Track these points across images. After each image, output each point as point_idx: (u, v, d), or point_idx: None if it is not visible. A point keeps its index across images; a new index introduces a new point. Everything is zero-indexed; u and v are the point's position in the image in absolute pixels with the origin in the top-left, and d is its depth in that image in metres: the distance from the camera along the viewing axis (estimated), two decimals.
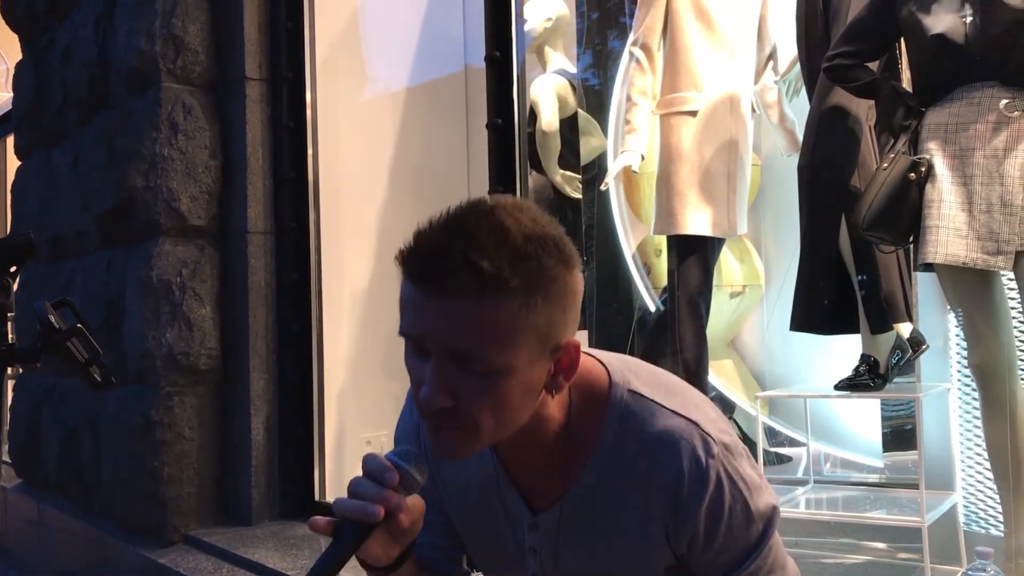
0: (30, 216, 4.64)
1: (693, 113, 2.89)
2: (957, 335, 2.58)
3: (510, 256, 0.90)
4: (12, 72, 5.02)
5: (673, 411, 1.04)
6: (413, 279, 0.94)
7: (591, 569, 1.10)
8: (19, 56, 4.97)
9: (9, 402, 4.91)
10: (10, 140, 5.41)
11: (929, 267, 2.29)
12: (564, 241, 0.97)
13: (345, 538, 0.97)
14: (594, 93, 3.96)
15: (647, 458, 1.02)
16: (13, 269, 1.08)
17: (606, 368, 1.08)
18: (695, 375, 2.90)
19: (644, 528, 1.04)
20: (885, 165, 2.29)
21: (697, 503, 1.01)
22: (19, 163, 4.97)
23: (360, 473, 1.02)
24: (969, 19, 2.18)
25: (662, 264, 3.28)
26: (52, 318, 1.03)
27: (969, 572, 1.80)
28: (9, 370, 1.21)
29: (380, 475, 0.99)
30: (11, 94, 5.12)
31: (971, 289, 2.25)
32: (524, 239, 0.92)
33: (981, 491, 2.55)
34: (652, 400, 1.05)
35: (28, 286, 4.64)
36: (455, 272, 0.89)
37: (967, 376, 2.46)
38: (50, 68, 4.46)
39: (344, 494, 1.02)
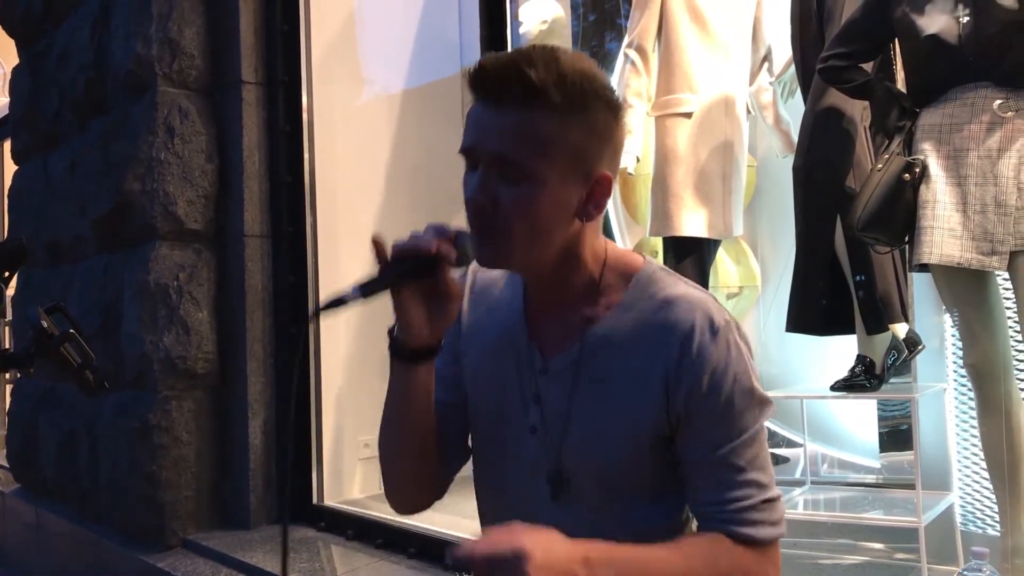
0: (27, 221, 4.64)
1: (688, 115, 2.90)
2: (953, 335, 2.58)
3: (557, 76, 1.02)
4: (9, 77, 5.02)
5: (696, 287, 1.14)
6: (473, 90, 1.06)
7: (588, 423, 1.12)
8: (16, 61, 4.97)
9: (7, 407, 4.91)
10: (7, 145, 5.41)
11: (924, 267, 2.29)
12: (611, 91, 1.08)
13: (395, 267, 1.06)
14: None
15: (665, 312, 1.09)
16: (6, 274, 1.08)
17: (645, 258, 1.18)
18: None
19: (647, 380, 1.08)
20: (880, 166, 2.30)
21: (704, 358, 1.06)
22: (16, 168, 4.97)
23: None
24: (962, 20, 2.18)
25: None
26: (45, 323, 1.03)
27: (965, 572, 1.80)
28: (7, 375, 1.21)
29: (438, 227, 1.08)
30: (8, 99, 5.12)
31: (966, 289, 2.25)
32: (574, 70, 1.04)
33: (978, 491, 2.55)
34: (679, 278, 1.15)
35: (26, 291, 4.64)
36: (507, 80, 1.02)
37: (963, 376, 2.46)
38: (47, 73, 4.46)
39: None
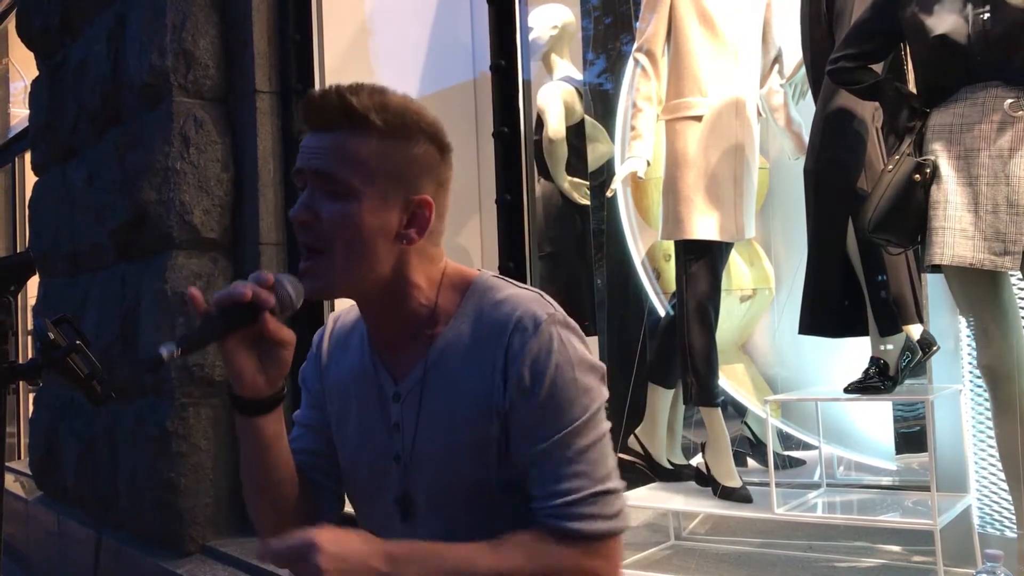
0: (47, 231, 4.70)
1: (698, 118, 2.89)
2: (968, 336, 2.56)
3: (380, 105, 1.09)
4: (29, 89, 5.09)
5: (525, 288, 1.17)
6: (304, 120, 1.13)
7: (433, 439, 1.13)
8: (36, 74, 5.03)
9: (29, 415, 4.97)
10: (27, 156, 5.48)
11: (937, 268, 2.28)
12: (438, 129, 1.14)
13: (215, 319, 1.05)
14: (605, 98, 3.97)
15: (492, 314, 1.12)
16: (13, 288, 1.10)
17: (480, 271, 1.21)
18: (705, 380, 2.89)
19: (481, 386, 1.10)
20: (890, 167, 2.29)
21: (524, 351, 1.07)
22: (36, 179, 5.03)
23: None
24: (972, 19, 2.17)
25: (671, 269, 3.28)
26: (52, 335, 1.05)
27: (980, 575, 1.78)
28: (30, 385, 1.23)
29: (257, 276, 1.10)
30: (28, 111, 5.18)
31: (979, 290, 2.24)
32: (397, 102, 1.11)
33: (995, 493, 2.53)
34: (510, 282, 1.18)
35: (47, 301, 4.70)
36: (330, 108, 1.09)
37: (979, 377, 2.44)
38: (64, 85, 4.51)
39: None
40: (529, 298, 1.13)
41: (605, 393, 1.12)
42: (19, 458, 6.33)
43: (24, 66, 6.72)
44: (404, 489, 1.16)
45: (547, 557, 1.06)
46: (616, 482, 1.09)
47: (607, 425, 1.11)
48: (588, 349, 1.12)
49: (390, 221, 1.10)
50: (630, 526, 1.11)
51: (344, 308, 1.30)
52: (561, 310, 1.13)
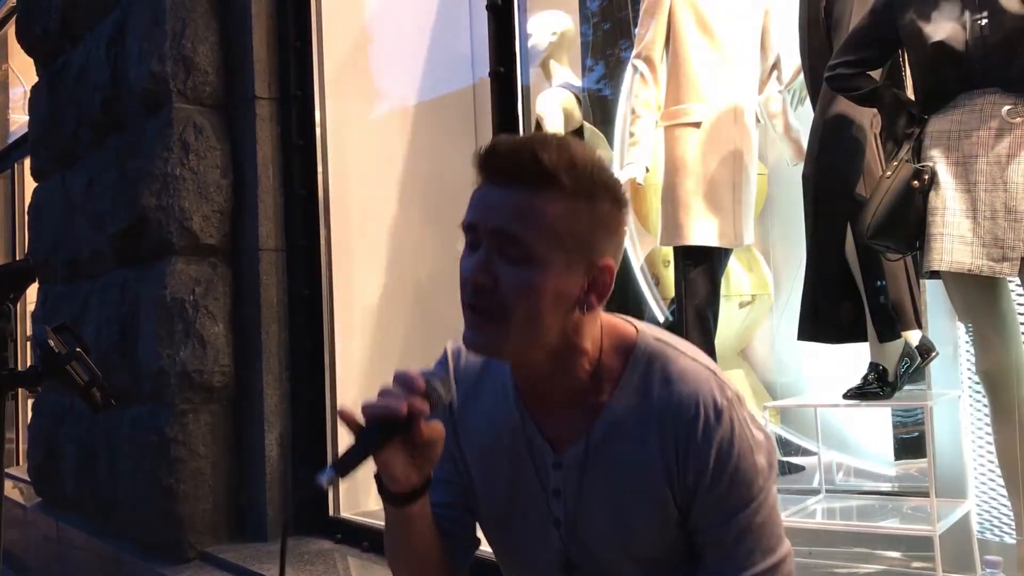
0: (47, 237, 4.70)
1: (697, 124, 2.90)
2: (967, 342, 2.56)
3: (568, 163, 1.03)
4: (28, 96, 5.09)
5: (694, 359, 1.13)
6: (483, 170, 1.06)
7: (611, 517, 1.12)
8: (36, 80, 5.04)
9: (28, 421, 4.96)
10: (27, 162, 5.48)
11: (935, 274, 2.28)
12: (618, 185, 1.09)
13: (368, 436, 1.02)
14: (605, 104, 3.97)
15: (667, 392, 1.09)
16: (12, 295, 1.10)
17: (635, 326, 1.17)
18: None
19: (655, 465, 1.08)
20: (888, 173, 2.29)
21: (708, 439, 1.06)
22: (36, 185, 5.04)
23: None
24: (970, 26, 2.18)
25: (670, 275, 3.28)
26: (52, 342, 1.05)
27: None
28: (30, 391, 1.23)
29: (406, 382, 1.05)
30: (27, 117, 5.19)
31: (978, 296, 2.24)
32: (584, 158, 1.05)
33: (995, 499, 2.53)
34: (676, 347, 1.14)
35: (46, 307, 4.70)
36: (520, 163, 1.03)
37: (977, 383, 2.45)
38: (64, 91, 4.52)
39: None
40: (705, 378, 1.10)
41: (775, 466, 1.12)
42: (18, 464, 6.33)
43: (24, 72, 6.72)
44: (566, 554, 1.16)
45: None
46: (783, 550, 1.10)
47: (775, 492, 1.12)
48: (757, 424, 1.12)
49: (572, 289, 1.05)
50: None
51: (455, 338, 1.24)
52: (731, 385, 1.12)
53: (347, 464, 1.00)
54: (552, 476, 1.14)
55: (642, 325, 1.17)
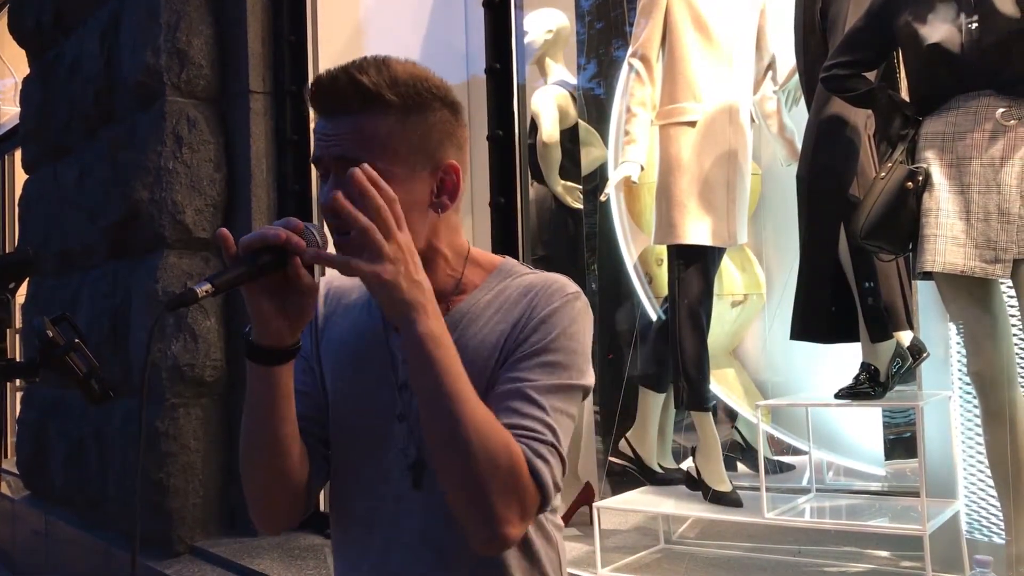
0: (37, 230, 4.68)
1: (692, 123, 2.90)
2: (958, 343, 2.58)
3: (390, 80, 1.07)
4: (20, 87, 5.07)
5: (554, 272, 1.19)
6: (314, 106, 1.11)
7: None
8: (27, 71, 5.02)
9: (17, 414, 4.94)
10: (18, 154, 5.46)
11: (928, 276, 2.29)
12: (448, 92, 1.13)
13: (246, 259, 1.02)
14: (598, 103, 3.98)
15: (522, 284, 1.15)
16: (12, 285, 1.09)
17: (505, 256, 1.23)
18: (696, 384, 2.90)
19: (499, 344, 1.11)
20: (883, 174, 2.30)
21: (548, 304, 1.11)
22: (27, 177, 5.01)
23: None
24: (965, 28, 2.19)
25: (663, 274, 3.29)
26: (50, 333, 1.05)
27: None
28: (19, 382, 1.22)
29: (287, 222, 1.07)
30: (19, 108, 5.16)
31: (970, 297, 2.25)
32: (406, 73, 1.09)
33: (983, 499, 2.54)
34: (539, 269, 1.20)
35: (36, 300, 4.68)
36: (342, 91, 1.07)
37: (968, 384, 2.46)
38: (57, 83, 4.50)
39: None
40: (560, 277, 1.16)
41: (590, 381, 1.13)
42: (6, 457, 6.30)
43: (14, 63, 6.69)
44: (416, 455, 1.15)
45: (513, 460, 1.03)
46: (562, 455, 1.08)
47: (575, 411, 1.12)
48: (594, 340, 1.15)
49: (421, 195, 1.10)
50: (555, 503, 1.12)
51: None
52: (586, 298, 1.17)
53: (221, 279, 1.00)
54: (402, 369, 1.16)
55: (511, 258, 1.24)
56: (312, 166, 3.51)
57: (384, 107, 1.07)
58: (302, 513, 1.20)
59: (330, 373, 1.23)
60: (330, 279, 1.29)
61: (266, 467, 1.15)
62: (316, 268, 1.10)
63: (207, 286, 0.97)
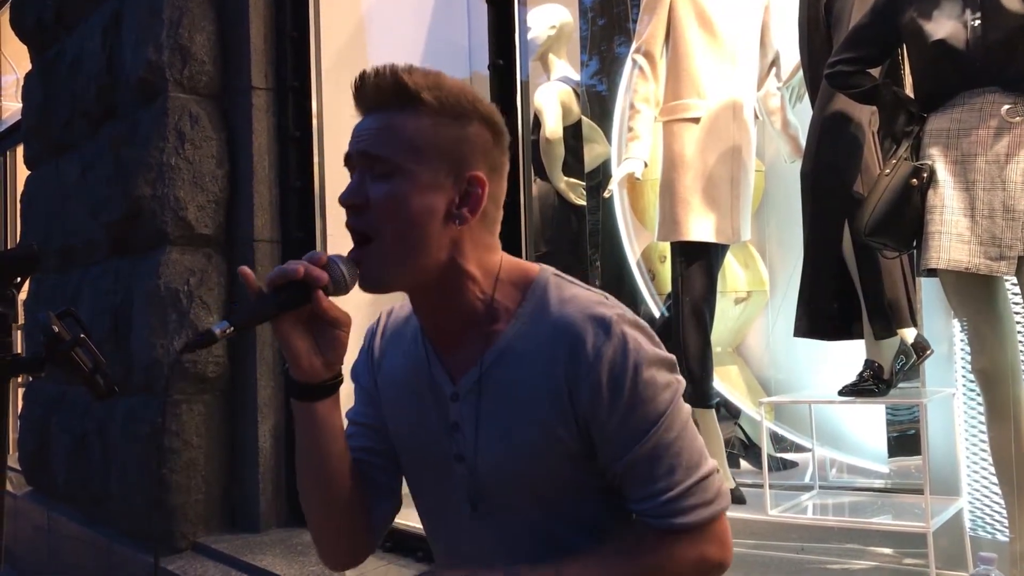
0: (39, 226, 4.68)
1: (696, 120, 2.90)
2: (962, 340, 2.57)
3: (433, 84, 1.07)
4: (21, 83, 5.06)
5: (589, 289, 1.14)
6: (356, 102, 1.11)
7: (505, 445, 1.11)
8: (29, 67, 5.01)
9: (19, 410, 4.94)
10: (20, 150, 5.45)
11: (932, 272, 2.29)
12: (494, 113, 1.12)
13: (267, 297, 1.02)
14: (601, 99, 3.97)
15: (557, 316, 1.09)
16: (17, 280, 1.09)
17: (539, 265, 1.18)
18: (699, 381, 2.90)
19: (549, 389, 1.07)
20: (887, 171, 2.30)
21: (599, 355, 1.04)
22: (28, 173, 5.01)
23: None
24: (970, 25, 2.18)
25: (666, 270, 3.29)
26: (56, 328, 1.05)
27: None
28: (20, 378, 1.23)
29: (311, 255, 1.07)
30: (20, 104, 5.16)
31: (974, 294, 2.25)
32: (454, 84, 1.09)
33: (987, 496, 2.54)
34: (573, 282, 1.15)
35: (37, 295, 4.67)
36: (384, 87, 1.07)
37: (972, 381, 2.46)
38: (59, 79, 4.49)
39: None
40: (595, 300, 1.10)
41: (682, 381, 1.11)
42: (8, 453, 6.29)
43: (16, 59, 6.68)
44: (473, 489, 1.14)
45: (655, 556, 1.06)
46: (708, 465, 1.09)
47: (688, 410, 1.10)
48: (657, 343, 1.10)
49: (440, 202, 1.06)
50: (730, 504, 1.12)
51: (398, 303, 1.26)
52: (628, 310, 1.11)
53: (242, 318, 0.99)
54: (451, 409, 1.14)
55: (546, 265, 1.18)
56: (315, 165, 3.53)
57: (420, 107, 1.06)
58: (367, 548, 1.20)
59: (388, 407, 1.22)
60: (390, 308, 1.28)
61: (320, 504, 1.15)
62: (374, 297, 1.11)
63: (227, 327, 0.97)
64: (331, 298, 1.07)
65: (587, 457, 1.09)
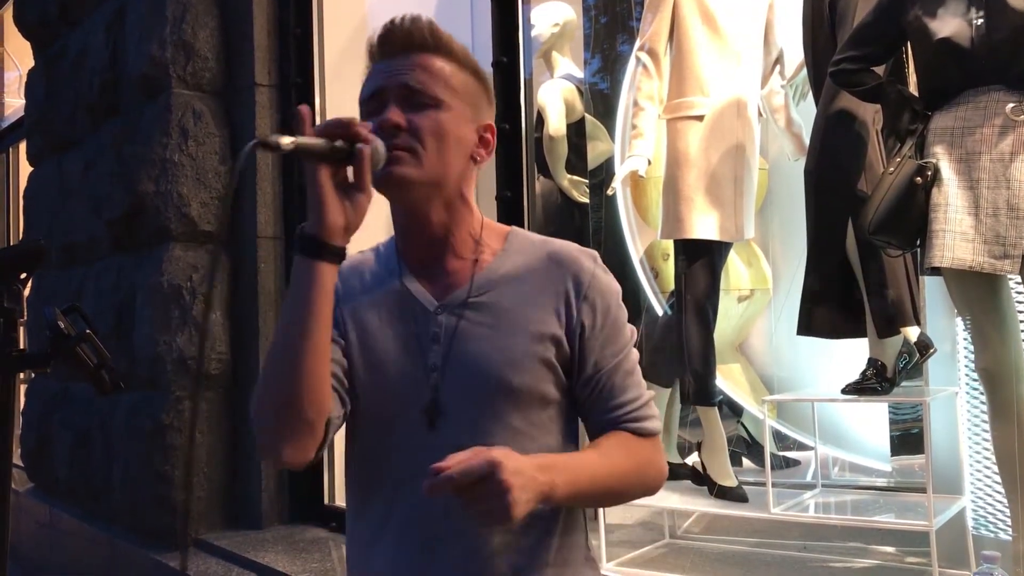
0: (42, 222, 4.68)
1: (700, 118, 2.89)
2: (965, 339, 2.57)
3: (455, 41, 1.23)
4: (25, 79, 5.06)
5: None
6: (382, 46, 1.22)
7: (484, 353, 1.21)
8: (32, 63, 5.01)
9: (21, 407, 4.94)
10: (23, 146, 5.46)
11: (936, 271, 2.28)
12: (490, 83, 1.29)
13: (319, 142, 1.07)
14: (604, 97, 3.97)
15: (552, 251, 1.27)
16: (23, 276, 1.09)
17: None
18: (702, 379, 2.90)
19: (541, 306, 1.23)
20: (891, 169, 2.29)
21: (599, 284, 1.25)
22: (31, 169, 5.01)
23: None
24: (975, 23, 2.18)
25: (669, 268, 3.28)
26: (62, 324, 1.05)
27: None
28: (21, 375, 1.22)
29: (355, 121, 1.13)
30: (24, 101, 5.16)
31: (978, 293, 2.25)
32: (463, 46, 1.25)
33: (990, 495, 2.54)
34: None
35: (40, 292, 4.68)
36: (420, 30, 1.21)
37: (975, 380, 2.45)
38: (62, 75, 4.49)
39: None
40: (573, 245, 1.29)
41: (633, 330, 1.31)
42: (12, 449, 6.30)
43: (19, 55, 6.68)
44: (433, 398, 1.21)
45: (638, 454, 1.24)
46: (651, 398, 1.29)
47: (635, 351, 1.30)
48: None
49: (467, 136, 1.23)
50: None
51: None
52: None
53: (303, 140, 1.04)
54: (433, 321, 1.24)
55: None
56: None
57: (449, 53, 1.21)
58: (315, 446, 1.18)
59: (354, 337, 1.26)
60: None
61: (295, 371, 1.12)
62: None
63: (289, 140, 1.02)
64: None
65: (560, 368, 1.23)
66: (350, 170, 1.10)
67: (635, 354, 1.28)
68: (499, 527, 1.14)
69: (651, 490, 1.27)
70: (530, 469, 1.05)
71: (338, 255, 1.13)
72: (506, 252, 1.27)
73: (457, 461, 1.01)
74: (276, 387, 1.13)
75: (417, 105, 1.18)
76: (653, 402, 1.29)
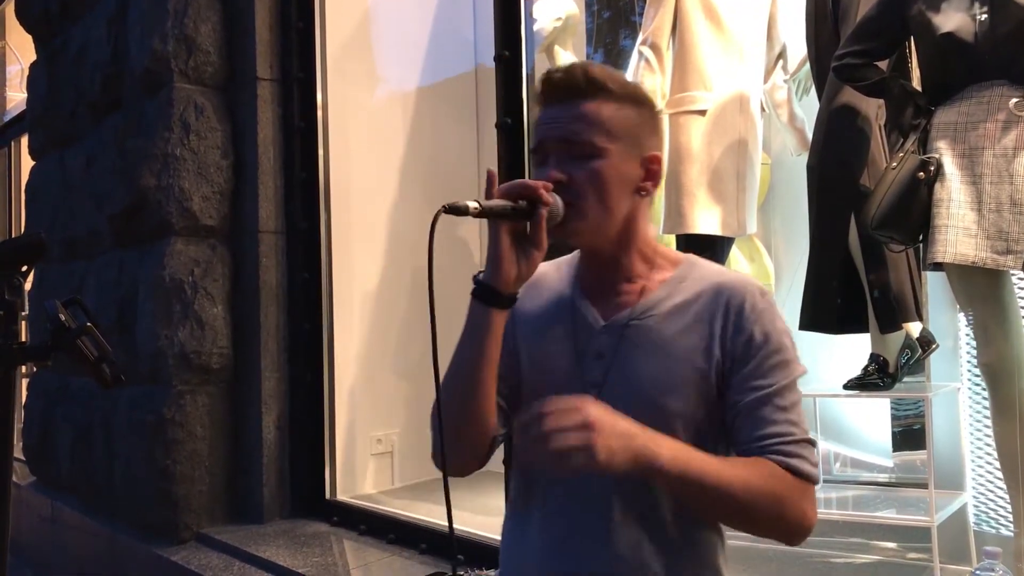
0: (44, 216, 4.68)
1: (702, 112, 2.89)
2: (967, 334, 2.57)
3: (611, 75, 1.27)
4: (27, 73, 5.06)
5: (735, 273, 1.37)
6: (545, 95, 1.28)
7: (645, 375, 1.26)
8: (34, 58, 5.01)
9: (23, 401, 4.95)
10: (25, 140, 5.46)
11: (938, 266, 2.28)
12: (652, 97, 1.31)
13: (504, 204, 1.18)
14: None
15: (718, 282, 1.29)
16: (24, 268, 1.09)
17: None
18: None
19: (700, 333, 1.26)
20: (894, 164, 2.29)
21: (759, 313, 1.25)
22: (33, 163, 5.01)
23: None
24: (979, 18, 2.17)
25: None
26: (63, 317, 1.04)
27: (977, 572, 1.79)
28: (23, 368, 1.22)
29: (539, 184, 1.22)
30: (25, 95, 5.16)
31: (981, 288, 2.24)
32: (620, 74, 1.29)
33: (991, 491, 2.54)
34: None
35: (42, 286, 4.68)
36: (577, 79, 1.25)
37: (977, 376, 2.45)
38: (64, 69, 4.49)
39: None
40: (742, 276, 1.33)
41: (803, 367, 1.29)
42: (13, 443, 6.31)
43: (21, 49, 6.68)
44: None
45: (777, 483, 1.18)
46: (811, 440, 1.24)
47: (800, 395, 1.27)
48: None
49: (629, 175, 1.27)
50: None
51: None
52: None
53: (489, 204, 1.16)
54: (596, 340, 1.30)
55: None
56: (320, 156, 3.53)
57: (607, 95, 1.25)
58: (482, 458, 1.32)
59: (524, 344, 1.36)
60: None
61: (463, 401, 1.25)
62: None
63: (475, 205, 1.13)
64: None
65: (714, 394, 1.25)
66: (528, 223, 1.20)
67: (796, 395, 1.24)
68: (592, 472, 1.11)
69: (788, 532, 1.20)
70: (629, 426, 1.10)
71: (509, 302, 1.24)
72: (674, 279, 1.31)
73: (548, 402, 1.08)
74: (445, 410, 1.24)
75: (576, 157, 1.24)
76: (813, 450, 1.22)
